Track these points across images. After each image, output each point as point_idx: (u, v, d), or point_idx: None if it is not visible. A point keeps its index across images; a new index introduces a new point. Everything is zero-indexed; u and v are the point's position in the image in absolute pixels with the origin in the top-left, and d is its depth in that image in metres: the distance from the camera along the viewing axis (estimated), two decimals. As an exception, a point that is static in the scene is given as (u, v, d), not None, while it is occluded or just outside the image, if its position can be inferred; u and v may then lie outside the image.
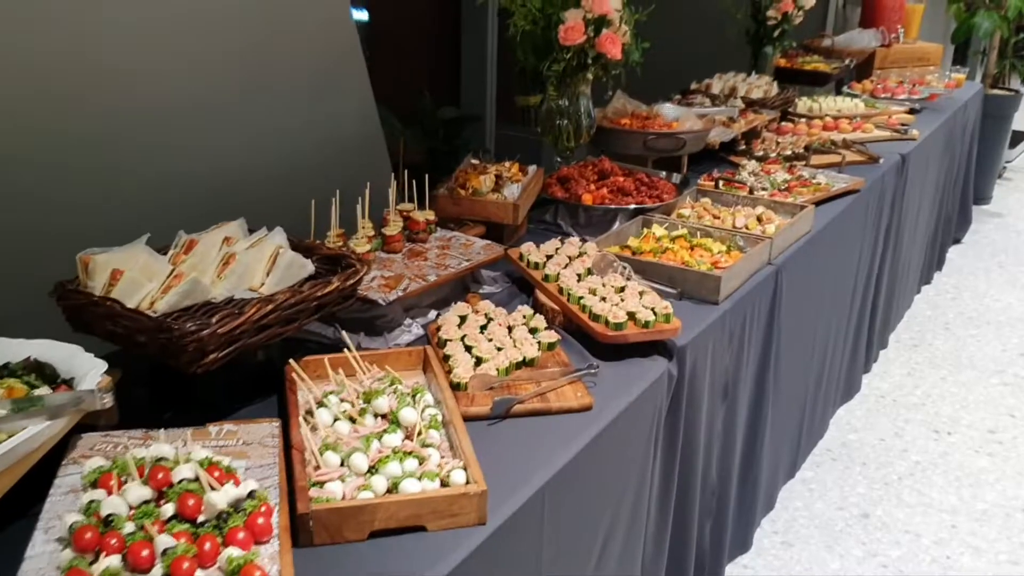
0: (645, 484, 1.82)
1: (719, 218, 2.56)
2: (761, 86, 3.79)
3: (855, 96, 4.25)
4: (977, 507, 2.98)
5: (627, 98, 3.15)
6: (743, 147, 3.32)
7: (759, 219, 2.54)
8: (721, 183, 2.82)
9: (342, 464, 1.33)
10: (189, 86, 2.31)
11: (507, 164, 2.53)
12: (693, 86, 3.84)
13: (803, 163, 3.19)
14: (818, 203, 2.83)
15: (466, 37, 5.55)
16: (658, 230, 2.38)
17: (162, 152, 2.23)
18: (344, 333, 1.65)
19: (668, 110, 3.04)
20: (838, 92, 4.42)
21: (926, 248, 4.55)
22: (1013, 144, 7.19)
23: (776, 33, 4.00)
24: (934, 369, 3.89)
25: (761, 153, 3.24)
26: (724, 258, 2.26)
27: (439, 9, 5.68)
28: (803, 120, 3.76)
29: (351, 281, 1.62)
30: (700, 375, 1.99)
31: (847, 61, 4.39)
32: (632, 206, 2.52)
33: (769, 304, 2.38)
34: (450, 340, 1.73)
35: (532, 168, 2.57)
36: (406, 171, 2.45)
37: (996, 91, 6.15)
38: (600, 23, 2.60)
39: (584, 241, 2.42)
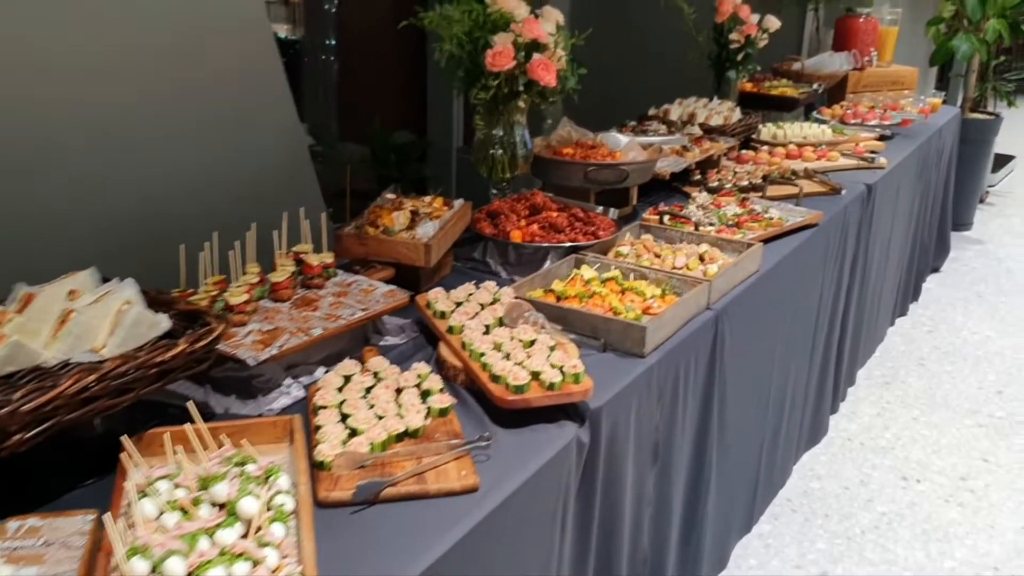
0: (551, 568, 1.61)
1: (660, 256, 2.37)
2: (722, 112, 3.61)
3: (824, 122, 4.07)
4: (945, 565, 2.77)
5: (573, 125, 2.97)
6: (698, 177, 3.14)
7: (702, 258, 2.35)
8: (666, 218, 2.62)
9: (153, 572, 1.12)
10: (99, 116, 2.13)
11: (427, 199, 2.33)
12: (651, 112, 3.66)
13: (759, 194, 3.01)
14: (771, 239, 2.65)
15: (431, 62, 5.40)
16: (587, 271, 2.18)
17: (72, 185, 2.05)
18: (213, 397, 1.45)
19: (613, 139, 2.85)
20: (807, 117, 4.24)
21: (900, 279, 4.36)
22: (996, 168, 7.03)
23: (739, 57, 3.82)
24: (906, 409, 3.69)
25: (716, 184, 3.05)
26: (657, 303, 2.06)
27: (404, 35, 5.53)
28: (766, 148, 3.58)
29: (203, 343, 1.42)
30: (621, 439, 1.79)
31: (815, 86, 4.22)
32: (566, 244, 2.33)
33: (709, 353, 2.18)
34: (325, 407, 1.53)
35: (458, 202, 2.38)
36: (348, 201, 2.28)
37: (976, 115, 5.99)
38: (532, 48, 2.42)
39: (513, 281, 2.23)
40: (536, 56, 2.41)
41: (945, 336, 4.39)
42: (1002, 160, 7.30)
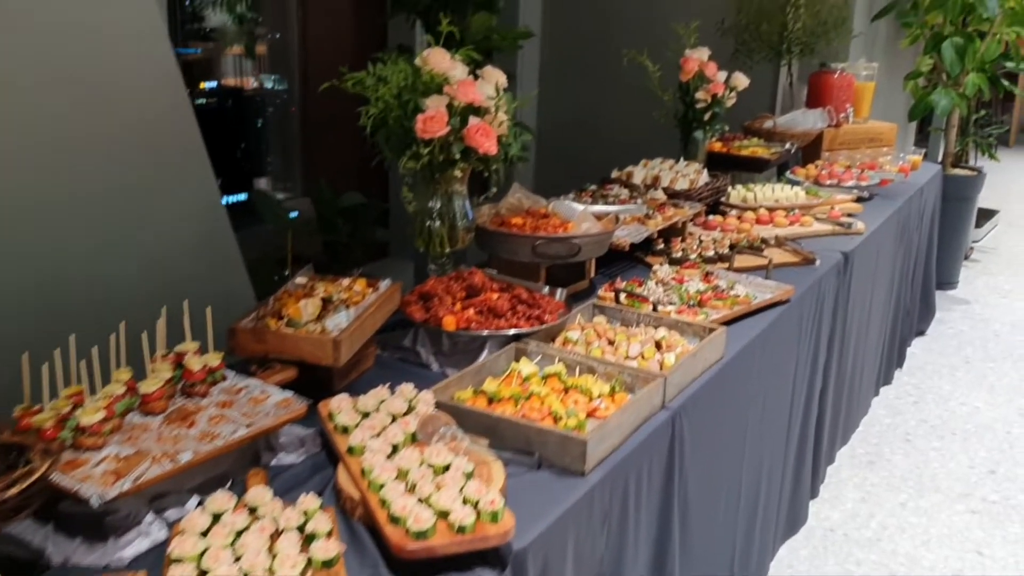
0: None
1: (613, 343, 2.11)
2: (688, 175, 3.38)
3: (797, 183, 3.85)
4: None
5: (524, 192, 2.72)
6: (661, 246, 2.89)
7: (659, 345, 2.09)
8: (623, 296, 2.37)
9: None
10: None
11: (346, 281, 2.07)
12: (614, 174, 3.43)
13: (726, 266, 2.76)
14: (738, 319, 2.39)
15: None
16: (526, 366, 1.91)
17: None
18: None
19: (567, 208, 2.60)
20: (780, 178, 4.02)
21: (882, 347, 4.11)
22: (980, 223, 6.85)
23: (706, 116, 3.61)
24: (892, 492, 3.42)
25: (679, 254, 2.81)
26: (605, 404, 1.80)
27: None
28: (735, 212, 3.35)
29: (15, 489, 1.14)
30: (554, 579, 1.51)
31: (788, 145, 4.00)
32: (507, 331, 2.06)
33: (666, 459, 1.91)
34: (180, 560, 1.25)
35: (384, 284, 2.11)
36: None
37: (957, 171, 5.80)
38: (468, 112, 2.18)
39: (445, 375, 1.97)
40: (473, 121, 2.17)
41: (932, 408, 4.13)
42: (985, 215, 7.13)
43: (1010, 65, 5.51)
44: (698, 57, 3.57)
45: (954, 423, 3.99)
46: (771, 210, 3.37)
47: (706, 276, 2.58)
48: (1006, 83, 5.99)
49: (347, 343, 1.86)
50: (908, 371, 4.50)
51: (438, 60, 2.15)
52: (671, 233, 2.98)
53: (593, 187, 3.22)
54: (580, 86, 5.81)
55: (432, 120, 2.11)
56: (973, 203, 5.73)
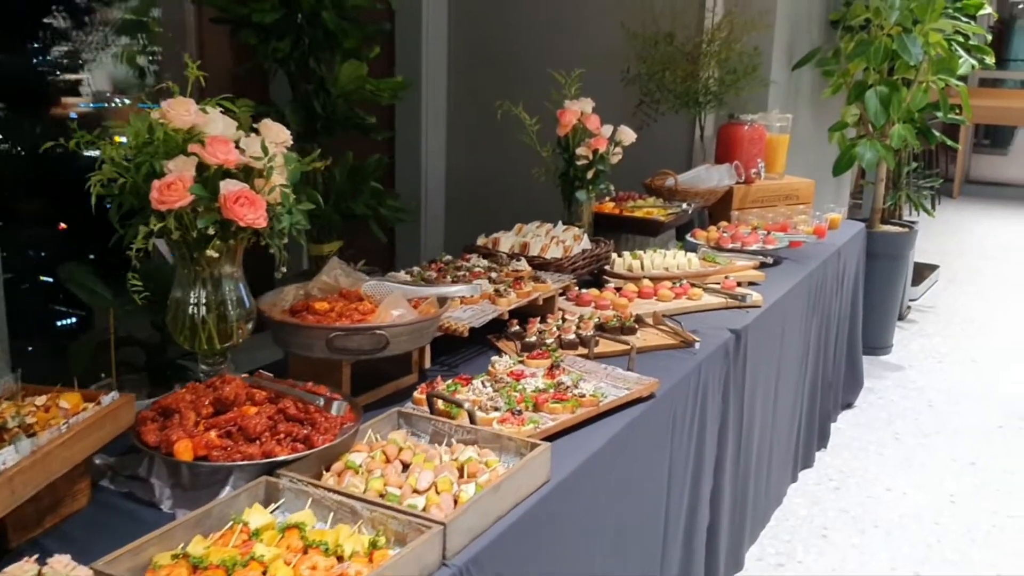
0: None
1: (408, 469, 1.66)
2: (566, 240, 2.97)
3: (699, 246, 3.45)
4: None
5: (344, 268, 2.29)
6: (515, 328, 2.46)
7: (462, 471, 1.64)
8: (440, 401, 1.92)
9: None
10: None
11: (42, 398, 1.60)
12: (480, 241, 3.01)
13: (585, 352, 2.33)
14: (584, 423, 1.96)
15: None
16: (257, 515, 1.45)
17: None
18: None
19: (384, 290, 2.16)
20: (680, 241, 3.63)
21: (798, 428, 3.70)
22: (918, 280, 6.53)
23: (589, 174, 3.21)
24: (803, 603, 2.98)
25: (533, 338, 2.37)
26: (357, 569, 1.34)
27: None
28: (613, 284, 2.93)
29: None
30: None
31: (685, 205, 3.61)
32: (259, 460, 1.61)
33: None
34: None
35: (109, 398, 1.65)
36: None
37: (888, 227, 5.47)
38: (220, 176, 1.74)
39: (173, 516, 1.53)
40: (230, 187, 1.73)
41: (855, 494, 3.71)
42: (924, 271, 6.82)
43: (940, 115, 5.21)
44: (578, 109, 3.18)
45: (878, 513, 3.56)
46: (657, 281, 2.96)
47: (550, 370, 2.14)
48: (937, 134, 5.71)
49: (24, 485, 1.40)
50: (832, 450, 4.09)
51: (179, 113, 1.71)
52: (532, 312, 2.54)
53: (448, 258, 2.79)
54: (488, 136, 5.44)
55: (170, 187, 1.67)
56: (905, 261, 5.39)
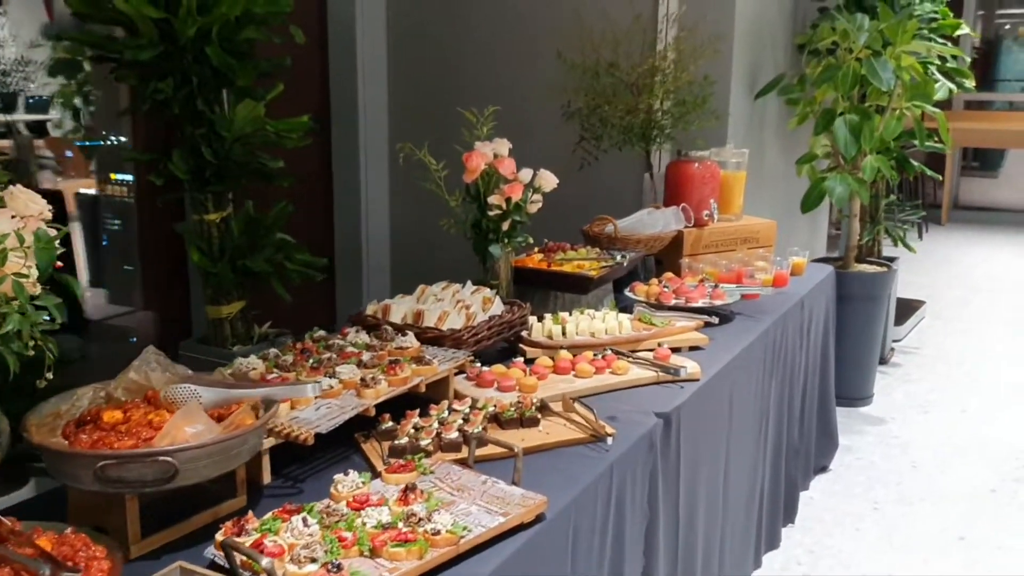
0: None
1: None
2: (472, 305, 2.54)
3: (637, 303, 3.02)
4: None
5: (161, 360, 1.85)
6: (387, 425, 2.02)
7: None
8: (239, 554, 1.47)
9: None
10: None
11: None
12: (370, 310, 2.57)
13: (461, 458, 1.89)
14: (448, 564, 1.52)
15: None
16: None
17: None
18: None
19: (188, 396, 1.72)
20: (618, 293, 3.20)
21: (759, 506, 3.24)
22: (901, 318, 6.10)
23: (505, 226, 2.78)
24: None
25: (406, 439, 1.93)
26: None
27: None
28: (522, 360, 2.49)
29: None
30: None
31: (624, 255, 3.18)
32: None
33: None
34: None
35: None
36: None
37: (864, 266, 5.04)
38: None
39: None
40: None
41: (827, 579, 3.26)
42: (908, 307, 6.39)
43: (917, 144, 4.81)
44: (489, 151, 2.76)
45: (852, 604, 3.11)
46: (577, 352, 2.52)
47: (404, 494, 1.69)
48: (916, 164, 5.30)
49: None
50: (803, 525, 3.63)
51: None
52: (413, 403, 2.11)
53: (320, 333, 2.35)
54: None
55: None
56: (884, 302, 4.96)
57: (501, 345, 2.63)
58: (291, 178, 3.46)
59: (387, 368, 2.07)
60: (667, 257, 3.66)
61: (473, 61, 4.88)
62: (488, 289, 2.67)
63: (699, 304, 3.04)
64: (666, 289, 3.09)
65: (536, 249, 3.24)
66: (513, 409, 2.08)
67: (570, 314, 2.80)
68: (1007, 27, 12.46)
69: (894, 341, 5.92)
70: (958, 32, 4.85)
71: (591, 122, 3.93)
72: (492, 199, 2.74)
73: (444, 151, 2.86)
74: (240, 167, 3.35)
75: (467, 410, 2.07)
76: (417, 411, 2.05)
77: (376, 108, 5.21)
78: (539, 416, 2.09)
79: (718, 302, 3.07)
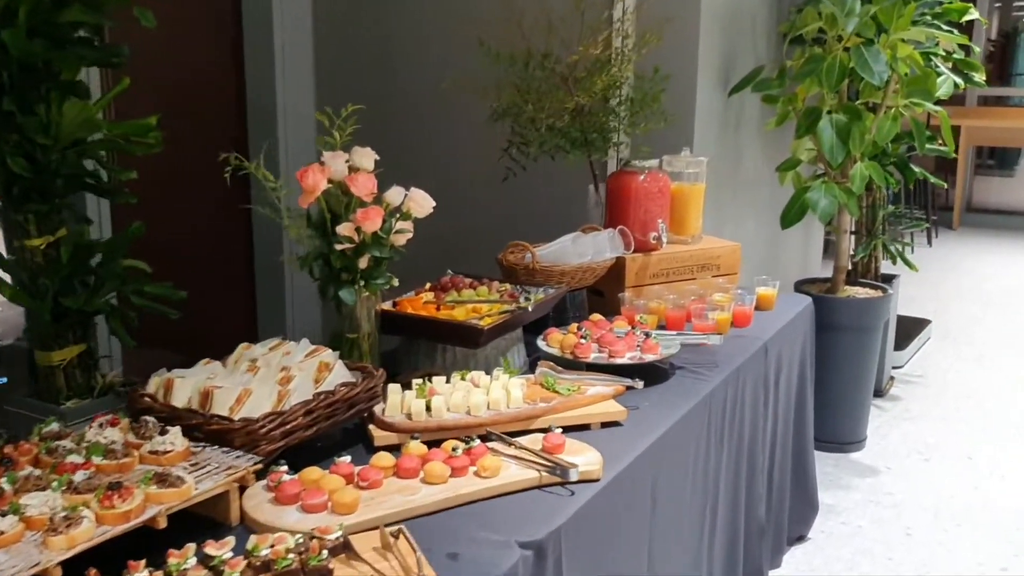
0: None
1: None
2: (297, 375, 1.88)
3: (548, 357, 2.36)
4: None
5: None
6: (102, 581, 1.36)
7: None
8: None
9: None
10: None
11: None
12: (152, 385, 1.92)
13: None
14: None
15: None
16: None
17: None
18: None
19: None
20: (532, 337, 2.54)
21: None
22: (903, 341, 5.41)
23: (362, 263, 2.13)
24: None
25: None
26: None
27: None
28: (349, 458, 1.83)
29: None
30: None
31: (525, 298, 2.52)
32: None
33: None
34: None
35: None
36: None
37: (857, 290, 4.36)
38: None
39: None
40: None
41: None
42: (911, 327, 5.71)
43: (917, 147, 4.12)
44: (337, 165, 2.10)
45: None
46: (446, 436, 1.87)
47: None
48: (917, 169, 4.61)
49: None
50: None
51: None
52: (166, 540, 1.45)
53: (53, 427, 1.70)
54: None
55: None
56: (879, 333, 4.27)
57: (354, 422, 1.99)
58: (133, 196, 2.80)
59: (104, 496, 1.41)
60: (609, 288, 3.01)
61: (403, 53, 4.23)
62: (328, 351, 2.01)
63: (624, 360, 2.38)
64: (583, 341, 2.42)
65: (427, 286, 2.59)
66: (293, 556, 1.42)
67: (448, 379, 2.14)
68: (1024, 20, 11.75)
69: (894, 368, 5.24)
70: (967, 18, 4.14)
71: (521, 123, 3.26)
72: (342, 229, 2.08)
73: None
74: (69, 181, 2.70)
75: (221, 559, 1.41)
76: (143, 563, 1.39)
77: (300, 107, 4.57)
78: (331, 567, 1.43)
79: (650, 356, 2.41)
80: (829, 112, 3.79)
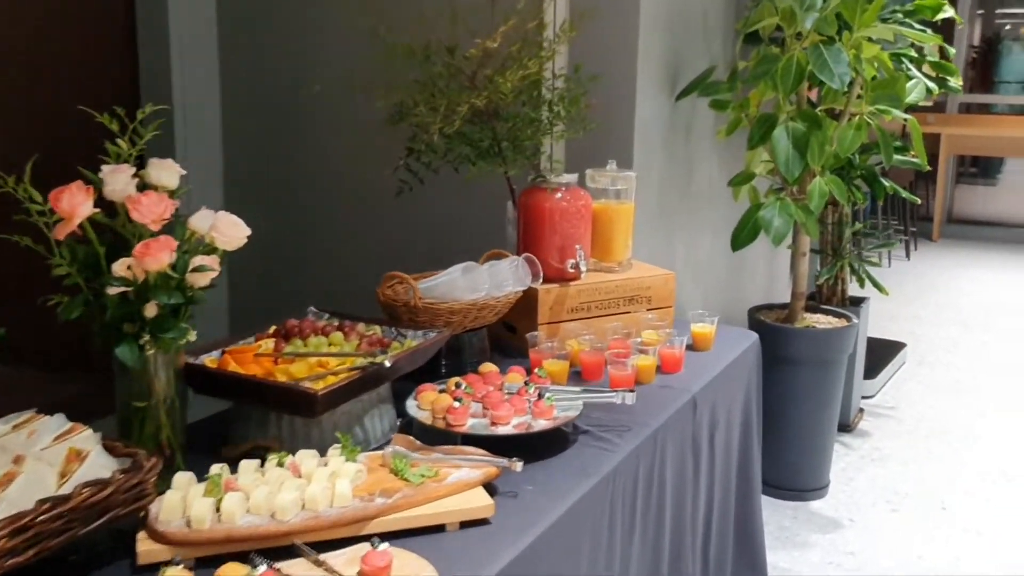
0: None
1: None
2: (42, 461, 1.39)
3: (415, 423, 1.87)
4: None
5: None
6: None
7: None
8: None
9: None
10: None
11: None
12: None
13: None
14: None
15: None
16: None
17: None
18: None
19: None
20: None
21: None
22: (874, 368, 4.97)
23: (147, 312, 1.63)
24: None
25: None
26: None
27: None
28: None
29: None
30: None
31: (381, 353, 2.02)
32: None
33: None
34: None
35: None
36: None
37: (819, 318, 3.89)
38: None
39: None
40: None
41: None
42: (885, 352, 5.26)
43: (878, 157, 3.66)
44: (118, 183, 1.61)
45: None
46: (240, 547, 1.38)
47: None
48: (887, 183, 4.16)
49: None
50: None
51: None
52: None
53: None
54: (275, 194, 3.94)
55: None
56: (842, 365, 3.80)
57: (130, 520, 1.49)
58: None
59: None
60: (522, 324, 2.54)
61: (303, 49, 3.75)
62: (88, 432, 1.52)
63: (508, 429, 1.89)
64: (457, 403, 1.93)
65: (271, 330, 2.10)
66: None
67: (263, 463, 1.65)
68: (1007, 27, 11.38)
69: (863, 398, 4.80)
70: (941, 16, 3.69)
71: (422, 128, 2.77)
72: (117, 267, 1.59)
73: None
74: None
75: None
76: None
77: (201, 108, 4.07)
78: None
79: (542, 423, 1.92)
80: (786, 120, 3.33)
